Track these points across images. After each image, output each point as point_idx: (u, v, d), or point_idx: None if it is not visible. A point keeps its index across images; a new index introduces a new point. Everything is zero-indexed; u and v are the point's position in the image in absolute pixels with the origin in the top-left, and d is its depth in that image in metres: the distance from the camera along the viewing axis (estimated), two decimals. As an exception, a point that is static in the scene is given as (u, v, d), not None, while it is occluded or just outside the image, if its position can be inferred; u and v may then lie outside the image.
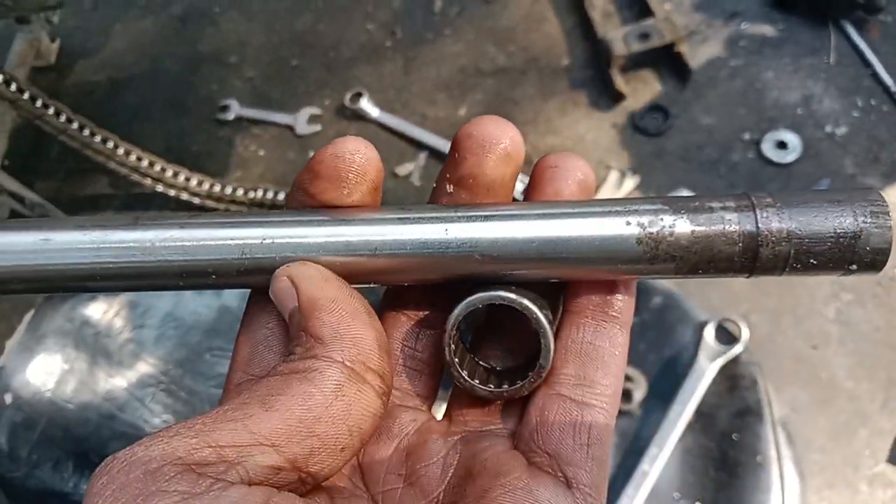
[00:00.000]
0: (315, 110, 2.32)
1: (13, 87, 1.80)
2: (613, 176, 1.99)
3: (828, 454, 1.54)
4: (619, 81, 2.09)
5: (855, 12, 2.08)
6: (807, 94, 2.03)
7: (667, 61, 2.12)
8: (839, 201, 0.36)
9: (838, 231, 0.36)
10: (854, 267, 0.36)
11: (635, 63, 2.13)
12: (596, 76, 2.18)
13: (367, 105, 2.25)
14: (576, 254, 0.37)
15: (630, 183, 1.97)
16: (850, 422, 1.57)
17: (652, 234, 0.37)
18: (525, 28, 2.34)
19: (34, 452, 1.09)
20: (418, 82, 2.31)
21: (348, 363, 0.36)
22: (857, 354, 1.64)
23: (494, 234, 0.38)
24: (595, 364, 0.40)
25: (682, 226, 0.37)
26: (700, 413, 1.20)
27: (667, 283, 1.35)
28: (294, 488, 0.35)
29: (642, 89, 2.12)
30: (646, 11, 2.16)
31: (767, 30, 2.17)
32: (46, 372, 1.16)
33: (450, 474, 0.40)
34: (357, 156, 0.40)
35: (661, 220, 0.37)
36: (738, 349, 1.27)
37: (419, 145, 2.18)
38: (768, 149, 1.95)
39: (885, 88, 1.99)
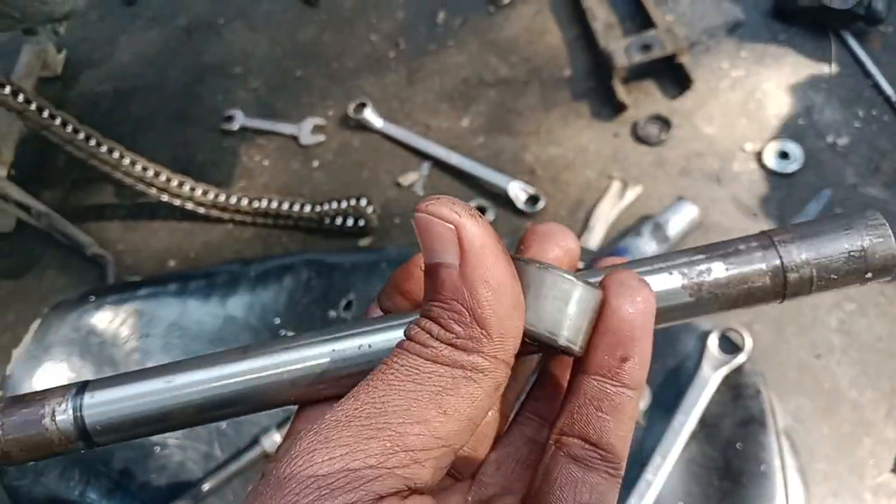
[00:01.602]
0: (319, 120, 2.33)
1: (20, 98, 1.81)
2: (615, 186, 1.99)
3: (832, 463, 1.54)
4: (621, 92, 2.10)
5: (856, 23, 2.09)
6: (808, 104, 2.04)
7: (668, 72, 2.13)
8: (846, 224, 0.42)
9: (849, 249, 0.41)
10: (870, 275, 0.42)
11: (637, 74, 2.14)
12: (598, 87, 2.19)
13: (370, 115, 2.26)
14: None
15: (632, 193, 1.97)
16: (854, 431, 1.57)
17: (693, 279, 0.42)
18: (527, 39, 2.36)
19: (40, 461, 1.09)
20: (422, 93, 2.33)
21: (506, 361, 0.36)
22: (860, 364, 1.65)
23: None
24: (600, 430, 0.39)
25: (718, 268, 0.42)
26: (704, 422, 1.20)
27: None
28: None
29: (644, 100, 2.13)
30: (647, 23, 2.17)
31: (769, 41, 2.18)
32: (53, 381, 1.17)
33: None
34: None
35: (699, 266, 0.42)
36: (741, 358, 1.27)
37: (423, 155, 2.19)
38: (770, 159, 1.96)
39: (886, 99, 2.00)
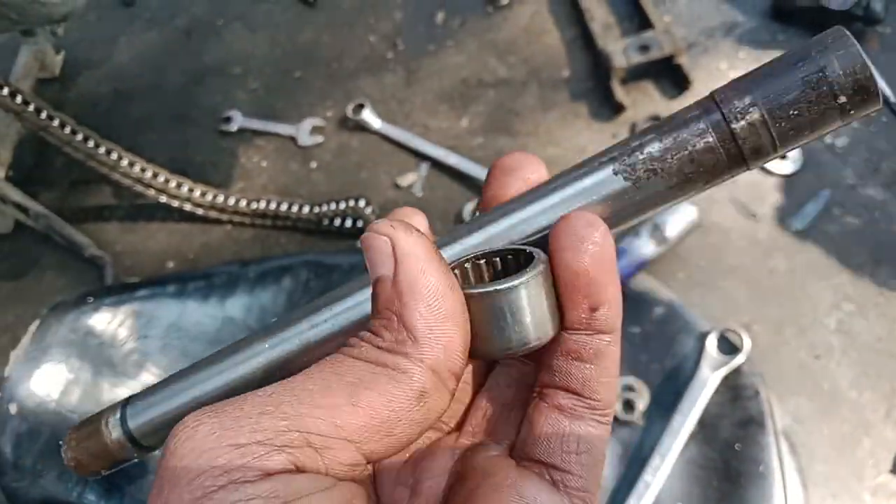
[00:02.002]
0: (318, 121, 2.33)
1: (18, 99, 1.81)
2: (615, 186, 1.99)
3: (831, 464, 1.54)
4: (620, 93, 2.10)
5: (854, 24, 2.09)
6: (807, 105, 2.04)
7: (667, 73, 2.13)
8: (800, 51, 0.34)
9: (804, 76, 0.33)
10: (844, 100, 0.33)
11: (635, 74, 2.14)
12: (596, 87, 2.19)
13: (369, 116, 2.26)
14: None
15: (631, 193, 1.98)
16: (854, 432, 1.57)
17: (626, 160, 0.37)
18: (526, 40, 2.36)
19: (39, 462, 1.09)
20: (420, 94, 2.33)
21: (435, 369, 0.35)
22: (859, 364, 1.65)
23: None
24: (583, 380, 0.39)
25: (651, 142, 0.37)
26: (702, 423, 1.21)
27: (668, 294, 1.35)
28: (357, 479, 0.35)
29: (642, 100, 2.13)
30: (646, 23, 2.18)
31: (767, 42, 2.19)
32: (51, 382, 1.17)
33: (448, 484, 0.40)
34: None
35: (630, 145, 0.38)
36: (740, 359, 1.28)
37: (421, 156, 2.19)
38: (769, 159, 1.96)
39: (885, 99, 2.00)
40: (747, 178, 1.95)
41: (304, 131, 2.31)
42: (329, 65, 2.48)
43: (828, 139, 1.97)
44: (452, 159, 2.12)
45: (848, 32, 0.34)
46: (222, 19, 2.70)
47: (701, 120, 0.35)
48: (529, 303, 0.36)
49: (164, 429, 0.44)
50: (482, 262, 0.40)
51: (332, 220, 2.05)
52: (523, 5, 2.43)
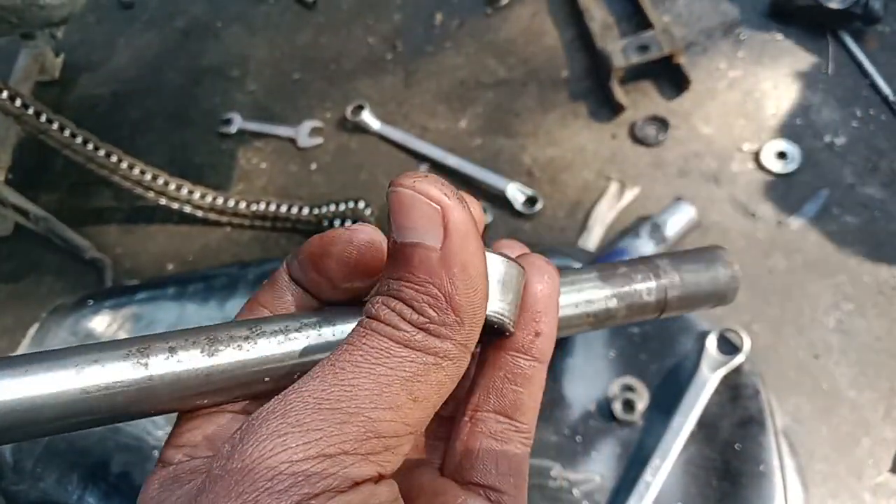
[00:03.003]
0: (317, 123, 2.33)
1: (18, 102, 1.81)
2: (613, 187, 2.00)
3: (831, 464, 1.54)
4: (619, 93, 2.10)
5: (853, 23, 2.09)
6: (806, 104, 2.04)
7: (666, 72, 2.13)
8: (707, 257, 0.52)
9: (709, 275, 0.51)
10: (722, 298, 0.52)
11: (634, 74, 2.14)
12: (595, 88, 2.19)
13: (368, 117, 2.26)
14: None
15: (630, 194, 1.97)
16: (853, 431, 1.57)
17: (600, 319, 0.47)
18: (525, 41, 2.36)
19: (38, 465, 1.09)
20: (419, 95, 2.33)
21: (470, 349, 0.36)
22: (858, 364, 1.65)
23: None
24: (515, 403, 0.42)
25: (620, 307, 0.48)
26: (702, 423, 1.21)
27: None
28: None
29: (642, 100, 2.14)
30: (645, 23, 2.18)
31: (766, 41, 2.19)
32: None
33: None
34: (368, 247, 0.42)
35: (610, 308, 0.47)
36: (739, 359, 1.28)
37: (420, 157, 2.19)
38: (768, 159, 1.96)
39: (884, 98, 2.00)
40: (747, 178, 1.96)
41: (304, 133, 2.31)
42: (328, 66, 2.48)
43: (827, 138, 1.97)
44: (451, 160, 2.12)
45: (727, 255, 0.53)
46: (221, 21, 2.71)
47: (651, 280, 0.49)
48: (517, 283, 0.40)
49: (19, 426, 0.32)
50: None
51: (331, 222, 2.05)
52: (522, 6, 2.44)
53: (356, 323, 0.37)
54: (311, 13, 2.63)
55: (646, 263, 0.49)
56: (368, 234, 0.42)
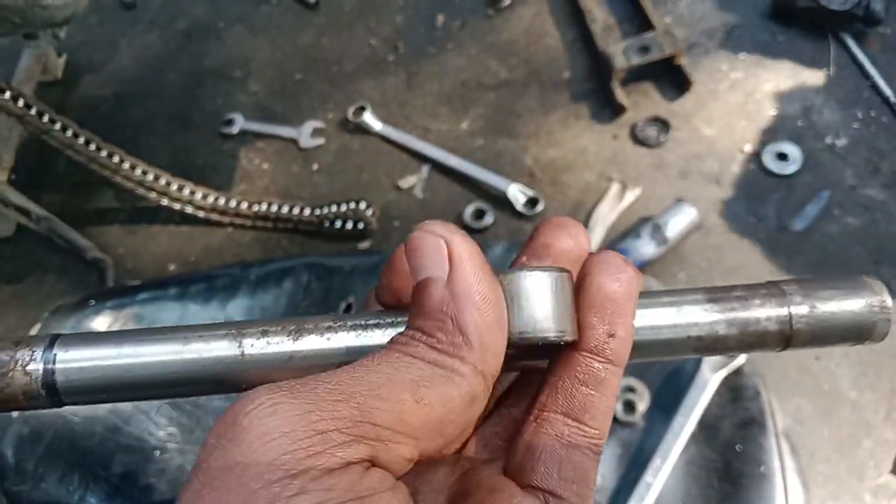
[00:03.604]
0: (318, 124, 2.34)
1: (20, 102, 1.81)
2: (615, 188, 2.00)
3: (832, 465, 1.54)
4: (620, 94, 2.10)
5: (854, 24, 2.09)
6: (807, 105, 2.05)
7: (667, 74, 2.13)
8: (847, 285, 0.44)
9: (852, 309, 0.43)
10: (867, 338, 0.44)
11: (636, 76, 2.15)
12: (597, 89, 2.20)
13: (369, 118, 2.27)
14: (654, 350, 0.44)
15: (631, 195, 1.98)
16: (854, 432, 1.57)
17: (707, 343, 0.43)
18: (526, 42, 2.37)
19: (40, 465, 1.09)
20: (421, 96, 2.33)
21: (485, 374, 0.36)
22: (860, 365, 1.65)
23: None
24: (585, 406, 0.40)
25: (733, 334, 0.43)
26: (703, 424, 1.21)
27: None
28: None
29: (643, 102, 2.14)
30: (646, 25, 2.18)
31: (767, 42, 2.19)
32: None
33: (448, 498, 0.41)
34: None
35: (717, 331, 0.42)
36: (740, 360, 1.28)
37: (422, 158, 2.19)
38: (769, 160, 1.96)
39: (885, 100, 2.00)
40: (747, 179, 1.96)
41: (305, 134, 2.32)
42: (330, 67, 2.48)
43: (828, 139, 1.97)
44: (453, 161, 2.12)
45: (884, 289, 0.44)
46: (223, 22, 2.71)
47: (772, 304, 0.43)
48: (554, 293, 0.39)
49: (102, 392, 0.40)
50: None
51: (333, 223, 2.05)
52: (524, 7, 2.44)
53: None
54: (313, 14, 2.63)
55: (769, 287, 0.44)
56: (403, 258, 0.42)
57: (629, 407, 1.23)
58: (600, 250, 0.41)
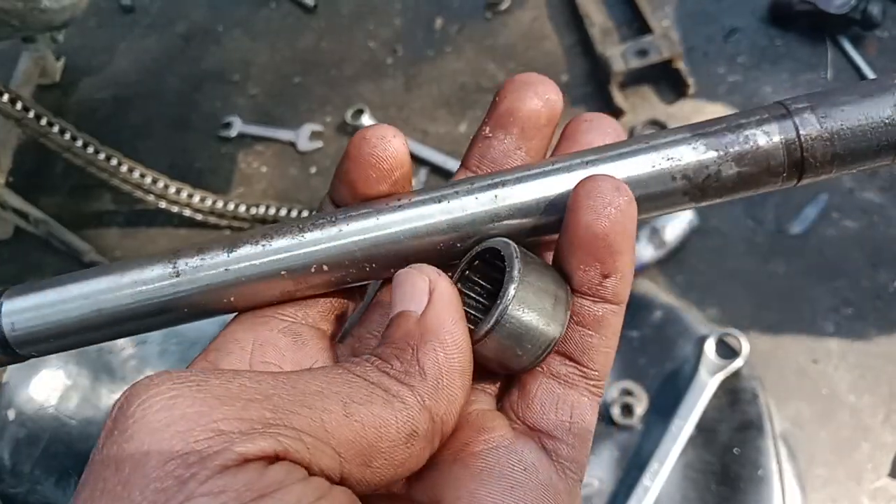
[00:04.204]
0: (317, 127, 2.34)
1: (18, 105, 1.81)
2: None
3: (830, 468, 1.53)
4: (619, 97, 2.10)
5: (852, 28, 2.10)
6: (805, 109, 2.05)
7: (665, 77, 2.13)
8: (876, 85, 0.35)
9: (886, 113, 0.34)
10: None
11: (634, 79, 2.15)
12: (595, 92, 2.20)
13: (368, 121, 2.27)
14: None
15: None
16: (853, 436, 1.57)
17: (698, 183, 0.36)
18: (525, 45, 2.37)
19: (37, 468, 1.09)
20: (419, 99, 2.34)
21: (433, 415, 0.34)
22: (858, 368, 1.64)
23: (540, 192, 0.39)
24: (582, 347, 0.38)
25: (728, 169, 0.36)
26: (701, 427, 1.20)
27: (667, 298, 1.35)
28: None
29: (641, 105, 2.14)
30: (644, 28, 2.18)
31: (765, 46, 2.19)
32: (49, 388, 1.17)
33: None
34: (382, 141, 0.39)
35: (706, 169, 0.36)
36: (738, 363, 1.28)
37: (420, 161, 2.19)
38: (767, 163, 1.96)
39: (883, 103, 2.01)
40: (746, 183, 1.96)
41: (304, 137, 2.32)
42: (328, 70, 2.49)
43: (826, 143, 1.98)
44: (451, 164, 2.12)
45: None
46: (222, 25, 2.71)
47: (781, 163, 0.35)
48: (531, 312, 0.36)
49: (52, 338, 0.39)
50: (468, 272, 0.40)
51: (331, 226, 2.05)
52: (522, 11, 2.44)
53: (372, 214, 0.38)
54: (311, 17, 2.64)
55: (770, 109, 0.36)
56: (384, 133, 0.40)
57: (627, 410, 1.23)
58: (589, 178, 0.36)
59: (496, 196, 0.38)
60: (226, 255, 0.39)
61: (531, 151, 0.43)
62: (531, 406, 0.38)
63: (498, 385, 0.41)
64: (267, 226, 0.40)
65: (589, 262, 0.36)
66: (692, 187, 0.36)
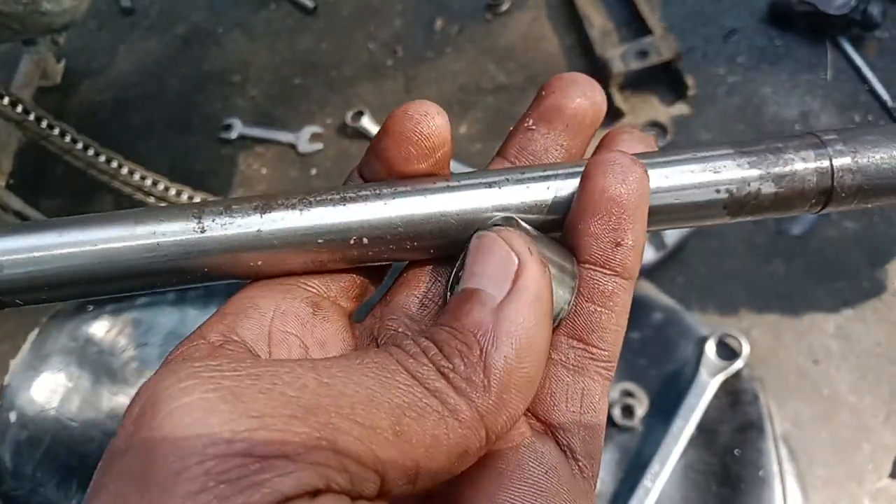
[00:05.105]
0: (317, 129, 2.34)
1: (19, 108, 1.81)
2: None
3: (831, 469, 1.53)
4: (618, 99, 2.11)
5: (851, 29, 2.10)
6: (804, 109, 2.05)
7: (665, 78, 2.14)
8: None
9: None
10: None
11: (634, 81, 2.15)
12: (595, 93, 2.20)
13: (368, 123, 2.27)
14: (666, 214, 0.38)
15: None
16: (853, 437, 1.57)
17: (739, 199, 0.37)
18: (524, 47, 2.37)
19: (38, 470, 1.09)
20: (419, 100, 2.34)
21: (489, 432, 0.29)
22: (858, 369, 1.65)
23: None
24: (591, 325, 0.36)
25: (767, 188, 0.37)
26: (702, 428, 1.20)
27: (667, 299, 1.35)
28: None
29: (641, 106, 2.14)
30: (644, 29, 2.18)
31: (765, 46, 2.19)
32: (51, 390, 1.17)
33: None
34: (426, 118, 0.37)
35: (748, 185, 0.37)
36: (739, 364, 1.28)
37: (420, 163, 2.20)
38: (767, 164, 1.97)
39: (882, 104, 2.01)
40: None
41: (304, 138, 2.32)
42: (328, 72, 2.49)
43: (826, 144, 1.98)
44: (451, 166, 2.12)
45: None
46: (222, 27, 2.71)
47: (812, 188, 0.37)
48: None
49: (46, 287, 0.34)
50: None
51: (331, 227, 2.05)
52: (522, 12, 2.44)
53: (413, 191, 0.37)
54: (311, 19, 2.64)
55: (804, 137, 0.38)
56: (427, 109, 0.38)
57: (628, 411, 1.23)
58: (605, 150, 0.36)
59: (548, 188, 0.37)
60: (258, 216, 0.36)
61: (572, 150, 0.42)
62: (542, 398, 0.35)
63: None
64: (302, 191, 0.38)
65: (602, 228, 0.35)
66: (733, 201, 0.37)
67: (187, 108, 2.52)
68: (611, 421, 1.23)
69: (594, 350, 0.36)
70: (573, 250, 0.36)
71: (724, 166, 0.37)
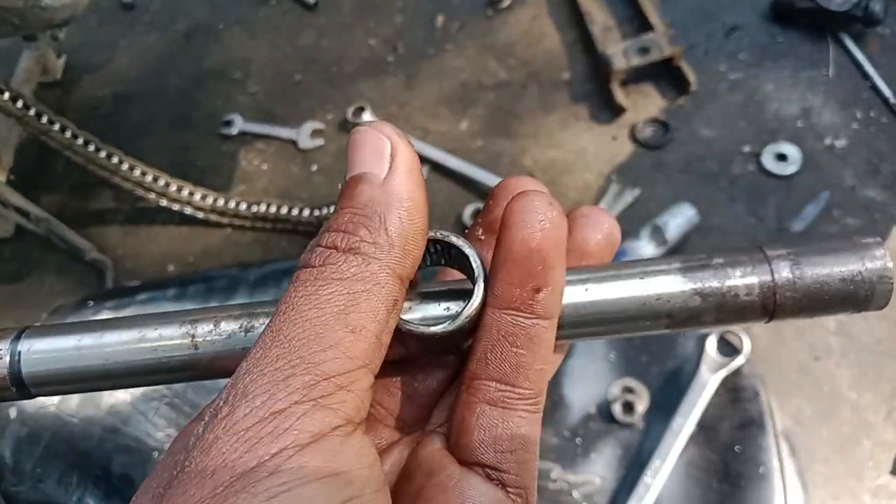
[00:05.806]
0: (318, 125, 2.34)
1: (20, 103, 1.81)
2: (613, 188, 2.00)
3: (831, 466, 1.53)
4: (620, 95, 2.10)
5: (853, 25, 2.09)
6: (806, 106, 2.05)
7: (667, 75, 2.13)
8: (838, 247, 0.39)
9: (842, 270, 0.39)
10: (866, 300, 0.40)
11: (635, 77, 2.15)
12: (596, 90, 2.20)
13: (369, 119, 2.26)
14: (606, 325, 0.41)
15: (630, 196, 1.97)
16: (854, 433, 1.57)
17: (681, 317, 0.39)
18: (526, 43, 2.36)
19: (38, 466, 1.09)
20: (420, 97, 2.33)
21: (402, 278, 0.36)
22: (859, 366, 1.64)
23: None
24: (516, 367, 0.37)
25: (708, 307, 0.39)
26: (702, 425, 1.20)
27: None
28: None
29: (643, 103, 2.14)
30: (646, 26, 2.18)
31: (767, 43, 2.19)
32: (51, 386, 1.17)
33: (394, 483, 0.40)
34: None
35: (690, 304, 0.39)
36: (739, 361, 1.27)
37: (421, 159, 2.18)
38: (768, 161, 1.96)
39: (884, 100, 2.00)
40: (746, 180, 1.96)
41: (305, 134, 2.32)
42: (329, 68, 2.48)
43: (827, 140, 1.97)
44: (453, 162, 2.12)
45: (883, 246, 0.40)
46: (222, 23, 2.71)
47: (752, 275, 0.39)
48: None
49: (68, 382, 0.40)
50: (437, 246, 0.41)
51: (332, 223, 2.05)
52: (523, 8, 2.44)
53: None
54: (312, 15, 2.63)
55: (751, 253, 0.39)
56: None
57: (628, 408, 1.23)
58: (518, 195, 0.38)
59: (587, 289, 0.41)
60: (242, 334, 0.40)
61: None
62: (472, 443, 0.37)
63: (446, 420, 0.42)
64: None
65: (522, 278, 0.37)
66: (673, 320, 0.39)
67: (188, 104, 2.51)
68: (612, 417, 1.23)
69: (520, 390, 0.38)
70: (495, 297, 0.38)
71: (669, 283, 0.39)
